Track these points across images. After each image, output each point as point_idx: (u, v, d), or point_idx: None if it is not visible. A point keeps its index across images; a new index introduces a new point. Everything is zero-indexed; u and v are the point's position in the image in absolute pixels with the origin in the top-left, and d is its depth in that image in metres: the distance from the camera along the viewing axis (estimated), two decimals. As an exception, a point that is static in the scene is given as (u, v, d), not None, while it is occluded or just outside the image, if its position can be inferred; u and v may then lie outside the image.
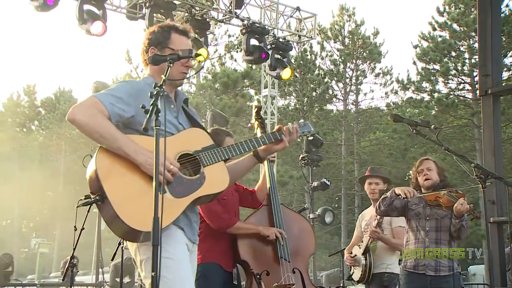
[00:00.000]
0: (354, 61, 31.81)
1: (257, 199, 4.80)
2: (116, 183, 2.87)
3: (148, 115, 2.54)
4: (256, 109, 4.68)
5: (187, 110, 3.32)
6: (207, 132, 3.26)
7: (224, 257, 4.50)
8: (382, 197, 5.23)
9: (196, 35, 10.93)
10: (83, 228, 5.98)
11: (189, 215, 3.11)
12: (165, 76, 2.77)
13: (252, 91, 31.60)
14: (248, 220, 4.65)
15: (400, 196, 5.00)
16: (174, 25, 3.26)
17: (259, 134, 4.57)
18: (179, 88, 3.38)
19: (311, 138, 4.10)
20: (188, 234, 3.10)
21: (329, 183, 12.71)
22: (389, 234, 5.71)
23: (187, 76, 3.35)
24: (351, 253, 5.96)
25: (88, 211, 5.13)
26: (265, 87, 14.76)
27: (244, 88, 31.06)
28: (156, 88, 2.64)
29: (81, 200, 3.67)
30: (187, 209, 3.02)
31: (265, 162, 4.63)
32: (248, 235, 4.52)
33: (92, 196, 2.95)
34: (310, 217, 13.55)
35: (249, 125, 30.80)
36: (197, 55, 3.06)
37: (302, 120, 3.55)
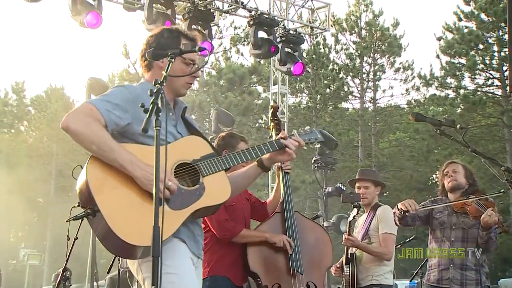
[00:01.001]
0: (371, 54, 31.76)
1: (267, 213, 4.82)
2: (109, 196, 2.89)
3: (148, 114, 2.55)
4: (272, 109, 4.72)
5: (186, 119, 3.37)
6: (206, 140, 3.30)
7: (234, 269, 4.52)
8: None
9: (199, 27, 10.96)
10: (76, 238, 6.01)
11: (191, 227, 3.13)
12: (165, 72, 2.79)
13: (260, 88, 31.68)
14: (259, 228, 4.67)
15: (402, 212, 5.01)
16: (183, 30, 3.29)
17: (274, 137, 4.61)
18: None
19: (318, 146, 4.15)
20: (191, 247, 3.13)
21: (344, 188, 12.70)
22: (377, 242, 5.69)
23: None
24: (342, 263, 5.94)
25: (82, 220, 5.15)
26: (275, 83, 14.77)
27: (251, 85, 31.09)
28: (156, 85, 2.65)
29: (74, 207, 3.69)
30: (188, 221, 3.04)
31: (280, 173, 4.70)
32: (258, 244, 4.54)
33: (83, 210, 2.97)
34: (324, 225, 13.56)
35: (257, 125, 30.88)
36: (201, 49, 3.07)
37: (308, 127, 3.63)
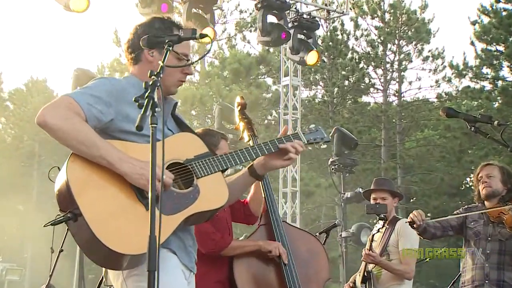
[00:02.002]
0: (396, 41, 31.68)
1: (250, 212, 4.78)
2: (92, 197, 2.89)
3: (143, 109, 2.55)
4: (240, 106, 4.73)
5: (176, 116, 3.39)
6: (200, 137, 3.32)
7: (222, 287, 4.50)
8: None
9: (200, 11, 10.98)
10: (61, 250, 6.02)
11: (181, 237, 3.15)
12: (162, 62, 2.81)
13: (269, 80, 31.67)
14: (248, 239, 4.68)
15: (409, 223, 5.04)
16: (177, 22, 3.31)
17: (246, 138, 4.62)
18: None
19: (324, 146, 4.17)
20: (183, 259, 3.15)
21: (365, 193, 12.70)
22: (397, 259, 5.71)
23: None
24: (355, 282, 5.96)
25: (68, 230, 5.16)
26: (286, 75, 14.76)
27: (259, 77, 31.10)
28: (152, 77, 2.65)
29: (58, 215, 3.70)
30: (179, 230, 3.05)
31: None
32: (247, 257, 4.52)
33: (62, 214, 2.96)
34: (343, 235, 13.56)
35: (266, 122, 30.89)
36: (202, 35, 3.07)
37: (313, 125, 3.64)
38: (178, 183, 3.10)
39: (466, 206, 5.52)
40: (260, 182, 4.62)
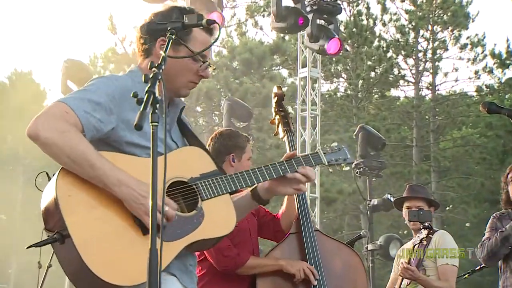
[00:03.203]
0: (429, 27, 31.64)
1: (280, 228, 4.83)
2: (84, 218, 2.89)
3: (142, 106, 2.54)
4: (276, 97, 4.77)
5: (183, 122, 3.41)
6: (209, 153, 3.33)
7: None
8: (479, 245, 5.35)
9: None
10: (50, 266, 6.04)
11: (182, 257, 3.16)
12: (164, 52, 2.81)
13: (284, 72, 31.72)
14: (271, 255, 4.67)
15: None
16: (200, 13, 3.27)
17: (281, 134, 4.67)
18: None
19: (346, 168, 4.24)
20: (183, 281, 3.18)
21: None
22: (434, 275, 5.73)
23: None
24: None
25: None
26: (303, 65, 14.76)
27: (273, 68, 31.13)
28: (153, 69, 2.65)
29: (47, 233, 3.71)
30: (180, 254, 3.07)
31: None
32: (270, 275, 4.54)
33: (47, 235, 2.95)
34: (368, 248, 13.54)
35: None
36: (210, 22, 3.08)
37: (336, 144, 3.70)
38: (180, 204, 3.11)
39: (496, 214, 5.59)
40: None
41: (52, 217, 2.90)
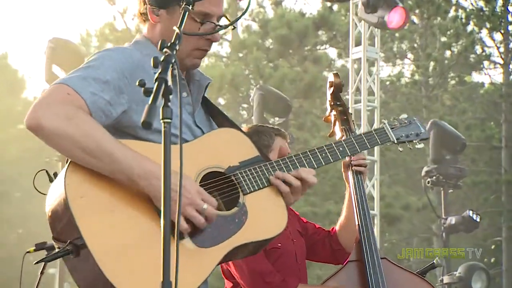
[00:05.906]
0: (523, -9, 31.47)
1: (339, 245, 4.89)
2: (101, 224, 2.95)
3: (151, 98, 2.53)
4: (333, 88, 4.77)
5: (209, 101, 3.50)
6: (247, 136, 3.40)
7: None
8: None
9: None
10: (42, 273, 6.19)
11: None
12: (179, 27, 2.85)
13: (332, 52, 31.67)
14: (325, 285, 4.69)
15: None
16: None
17: (338, 134, 4.67)
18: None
19: (420, 146, 4.14)
20: None
21: (478, 220, 12.68)
22: None
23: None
24: None
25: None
26: (357, 44, 14.80)
27: (318, 47, 31.13)
28: (165, 49, 2.68)
29: (29, 252, 3.81)
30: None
31: (350, 174, 4.72)
32: None
33: (57, 245, 3.04)
34: (444, 281, 13.54)
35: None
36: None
37: (405, 115, 3.74)
38: (218, 200, 3.16)
39: None
40: (354, 200, 4.68)
41: (62, 223, 2.95)
